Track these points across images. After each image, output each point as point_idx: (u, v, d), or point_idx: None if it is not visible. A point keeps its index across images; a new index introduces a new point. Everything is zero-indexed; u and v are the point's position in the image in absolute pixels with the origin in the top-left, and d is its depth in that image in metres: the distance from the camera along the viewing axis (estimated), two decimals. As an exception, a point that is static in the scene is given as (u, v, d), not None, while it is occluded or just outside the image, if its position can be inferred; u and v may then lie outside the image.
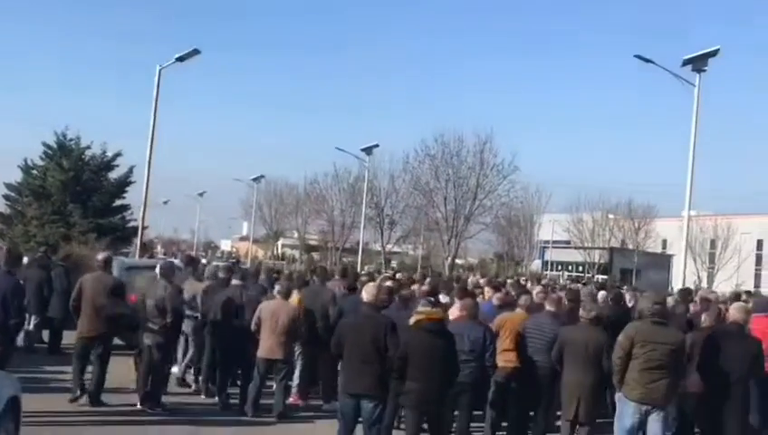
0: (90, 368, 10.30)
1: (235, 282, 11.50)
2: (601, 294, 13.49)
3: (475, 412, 9.56)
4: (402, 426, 8.61)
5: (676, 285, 29.55)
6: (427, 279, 14.91)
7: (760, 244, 66.28)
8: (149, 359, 10.25)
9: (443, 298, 11.41)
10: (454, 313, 9.32)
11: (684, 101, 23.86)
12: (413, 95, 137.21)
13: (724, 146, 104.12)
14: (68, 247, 23.60)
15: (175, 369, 11.70)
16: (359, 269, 33.08)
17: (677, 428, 9.56)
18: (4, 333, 8.74)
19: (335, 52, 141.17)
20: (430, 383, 7.75)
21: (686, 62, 22.67)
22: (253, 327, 10.41)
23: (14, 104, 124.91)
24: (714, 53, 22.29)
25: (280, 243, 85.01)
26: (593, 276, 55.29)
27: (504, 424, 9.97)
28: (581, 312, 9.02)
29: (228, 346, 10.84)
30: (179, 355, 11.92)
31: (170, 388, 11.09)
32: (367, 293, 8.33)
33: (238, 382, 11.02)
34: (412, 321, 8.04)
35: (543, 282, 21.70)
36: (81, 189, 38.36)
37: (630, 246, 63.97)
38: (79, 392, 10.15)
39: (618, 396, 7.94)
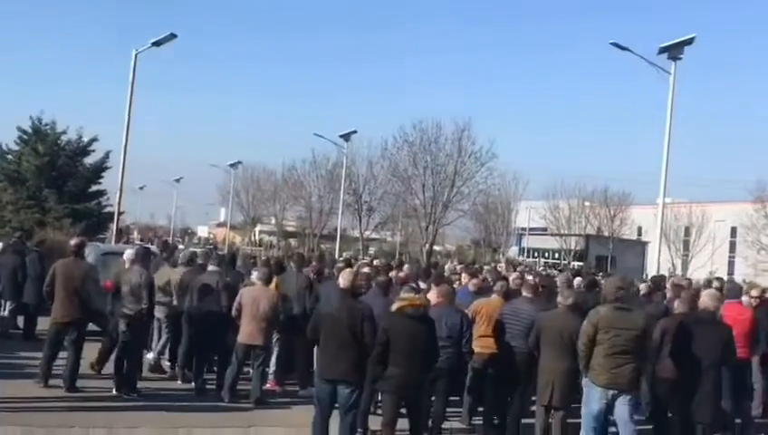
0: (62, 354, 10.24)
1: (211, 268, 11.47)
2: (578, 280, 13.58)
3: (451, 398, 9.64)
4: (379, 411, 8.66)
5: (651, 271, 29.74)
6: (405, 266, 14.91)
7: (734, 231, 66.72)
8: (124, 345, 10.23)
9: (421, 285, 11.45)
10: (431, 299, 9.36)
11: (659, 89, 24.00)
12: (391, 82, 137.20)
13: (698, 134, 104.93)
14: (42, 233, 23.43)
15: (150, 355, 11.68)
16: (336, 256, 33.05)
17: (651, 412, 9.70)
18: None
19: (314, 37, 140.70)
20: (411, 369, 7.82)
21: (661, 51, 22.79)
22: (233, 313, 10.40)
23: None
24: (689, 42, 22.44)
25: (257, 229, 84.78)
26: (569, 263, 55.72)
27: (481, 409, 10.05)
28: (559, 298, 9.07)
29: (205, 332, 10.81)
30: (153, 341, 11.88)
31: (144, 374, 11.07)
32: (344, 279, 8.34)
33: (215, 368, 11.01)
34: (395, 307, 8.08)
35: (520, 268, 21.82)
36: (56, 175, 37.99)
37: (606, 234, 64.40)
38: (44, 382, 10.09)
39: (584, 382, 8.00)
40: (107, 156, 39.59)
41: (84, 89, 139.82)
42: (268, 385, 10.97)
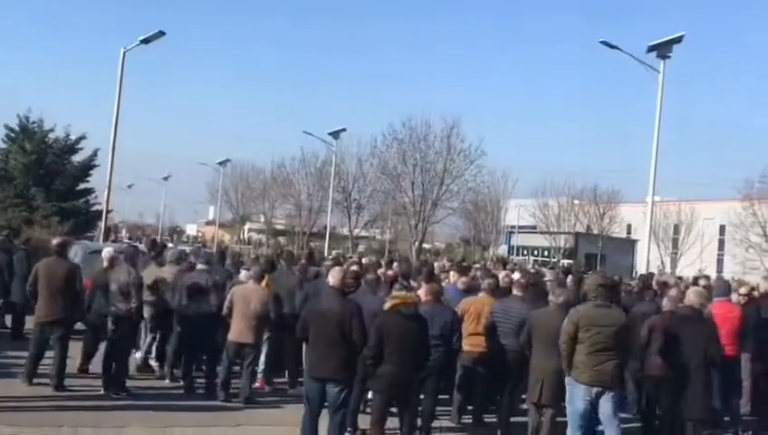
0: (50, 353, 10.19)
1: (200, 266, 11.42)
2: (569, 279, 13.57)
3: (441, 396, 9.63)
4: (368, 411, 8.64)
5: (641, 269, 29.85)
6: (394, 264, 14.89)
7: (722, 229, 67.01)
8: (113, 344, 10.19)
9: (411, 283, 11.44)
10: (421, 297, 9.35)
11: (649, 88, 24.07)
12: (380, 78, 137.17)
13: (687, 132, 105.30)
14: (29, 231, 23.30)
15: (137, 355, 11.63)
16: (326, 253, 33.03)
17: (641, 410, 9.74)
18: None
19: (302, 35, 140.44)
20: (403, 367, 7.82)
21: (650, 49, 22.85)
22: (224, 311, 10.39)
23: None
24: (678, 40, 22.52)
25: (246, 227, 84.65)
26: (559, 261, 55.81)
27: (471, 408, 10.05)
28: (551, 296, 9.08)
29: (194, 331, 10.77)
30: (141, 340, 11.83)
31: (132, 373, 11.01)
32: (333, 277, 8.31)
33: (203, 367, 10.97)
34: (387, 305, 8.07)
35: (509, 266, 21.80)
36: (44, 173, 37.75)
37: (595, 232, 64.63)
38: (29, 381, 10.05)
39: (567, 380, 8.00)
40: (95, 154, 39.39)
41: (73, 87, 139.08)
42: (257, 384, 10.94)
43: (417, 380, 8.36)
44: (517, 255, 66.18)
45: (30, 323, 12.23)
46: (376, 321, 7.94)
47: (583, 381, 7.75)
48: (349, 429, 8.54)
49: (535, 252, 68.39)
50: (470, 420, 10.00)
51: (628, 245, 66.64)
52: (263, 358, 11.16)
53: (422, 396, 8.99)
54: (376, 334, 7.80)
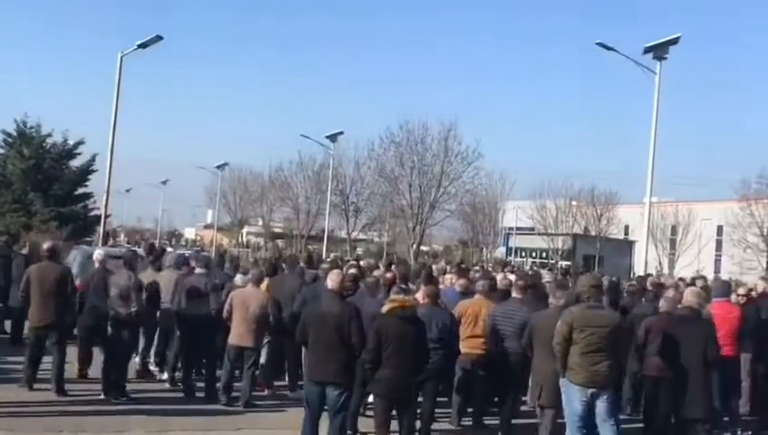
0: (49, 358, 10.20)
1: (198, 270, 11.43)
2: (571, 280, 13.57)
3: (440, 399, 9.64)
4: (368, 413, 8.65)
5: (639, 270, 29.87)
6: (392, 266, 14.89)
7: (720, 230, 67.01)
8: (113, 348, 10.19)
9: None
10: (419, 299, 9.36)
11: (645, 89, 24.10)
12: (378, 83, 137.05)
13: (684, 133, 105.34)
14: (28, 236, 23.30)
15: (136, 359, 11.63)
16: (324, 256, 33.04)
17: (635, 410, 9.76)
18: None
19: (300, 38, 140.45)
20: (402, 370, 7.80)
21: (647, 50, 22.87)
22: (224, 314, 10.40)
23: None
24: (674, 41, 22.52)
25: (245, 231, 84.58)
26: (557, 262, 55.82)
27: (470, 410, 10.06)
28: (551, 299, 9.08)
29: (193, 334, 10.77)
30: (139, 345, 11.83)
31: (131, 377, 11.01)
32: (331, 280, 8.32)
33: (203, 371, 10.98)
34: (385, 309, 8.06)
35: (507, 268, 21.84)
36: (42, 178, 37.80)
37: (593, 233, 64.53)
38: (29, 386, 10.05)
39: (562, 381, 8.00)
40: (93, 159, 39.48)
41: (71, 91, 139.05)
42: (257, 387, 10.94)
43: (416, 382, 8.37)
44: (515, 256, 66.14)
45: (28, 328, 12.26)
46: (374, 324, 7.93)
47: (578, 383, 7.77)
48: (349, 432, 8.55)
49: (533, 253, 68.30)
50: (470, 423, 10.01)
51: (626, 246, 66.49)
52: (262, 361, 11.16)
53: (421, 399, 9.01)
54: (374, 337, 7.79)
